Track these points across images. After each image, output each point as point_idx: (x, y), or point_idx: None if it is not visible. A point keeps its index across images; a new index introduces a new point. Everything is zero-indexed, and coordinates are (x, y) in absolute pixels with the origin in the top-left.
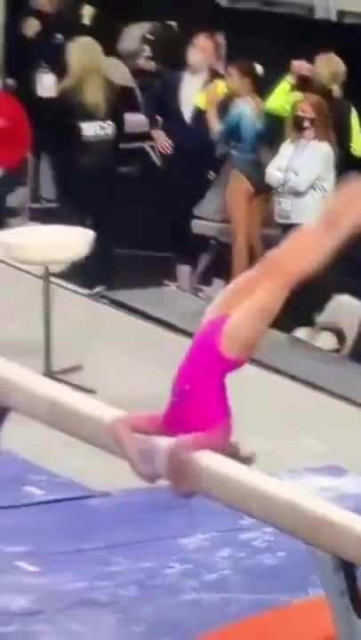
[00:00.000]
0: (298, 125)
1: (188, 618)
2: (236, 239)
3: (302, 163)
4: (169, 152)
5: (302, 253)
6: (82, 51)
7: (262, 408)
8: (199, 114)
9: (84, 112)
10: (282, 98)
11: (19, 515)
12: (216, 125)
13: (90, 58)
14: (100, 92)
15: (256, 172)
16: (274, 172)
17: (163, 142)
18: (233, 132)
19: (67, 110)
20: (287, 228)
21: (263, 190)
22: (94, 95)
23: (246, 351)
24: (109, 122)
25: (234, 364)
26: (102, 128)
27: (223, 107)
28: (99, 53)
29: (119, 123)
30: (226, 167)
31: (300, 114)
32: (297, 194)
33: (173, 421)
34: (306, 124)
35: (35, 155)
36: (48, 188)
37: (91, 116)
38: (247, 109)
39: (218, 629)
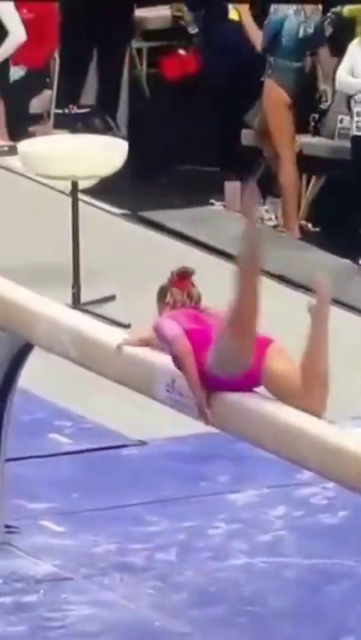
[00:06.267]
0: None
1: (236, 585)
2: (283, 152)
3: None
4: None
5: None
6: None
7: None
8: None
9: None
10: None
11: (43, 466)
12: (258, 38)
13: None
14: None
15: (295, 80)
16: (346, 77)
17: None
18: (274, 40)
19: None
20: None
21: (298, 99)
22: None
23: None
24: None
25: None
26: None
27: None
28: None
29: None
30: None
31: None
32: None
33: None
34: None
35: (85, 52)
36: (91, 93)
37: None
38: (290, 13)
39: None
